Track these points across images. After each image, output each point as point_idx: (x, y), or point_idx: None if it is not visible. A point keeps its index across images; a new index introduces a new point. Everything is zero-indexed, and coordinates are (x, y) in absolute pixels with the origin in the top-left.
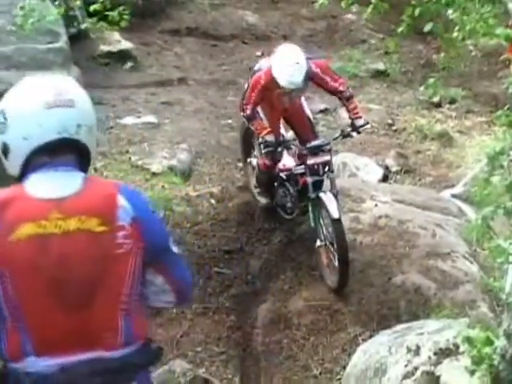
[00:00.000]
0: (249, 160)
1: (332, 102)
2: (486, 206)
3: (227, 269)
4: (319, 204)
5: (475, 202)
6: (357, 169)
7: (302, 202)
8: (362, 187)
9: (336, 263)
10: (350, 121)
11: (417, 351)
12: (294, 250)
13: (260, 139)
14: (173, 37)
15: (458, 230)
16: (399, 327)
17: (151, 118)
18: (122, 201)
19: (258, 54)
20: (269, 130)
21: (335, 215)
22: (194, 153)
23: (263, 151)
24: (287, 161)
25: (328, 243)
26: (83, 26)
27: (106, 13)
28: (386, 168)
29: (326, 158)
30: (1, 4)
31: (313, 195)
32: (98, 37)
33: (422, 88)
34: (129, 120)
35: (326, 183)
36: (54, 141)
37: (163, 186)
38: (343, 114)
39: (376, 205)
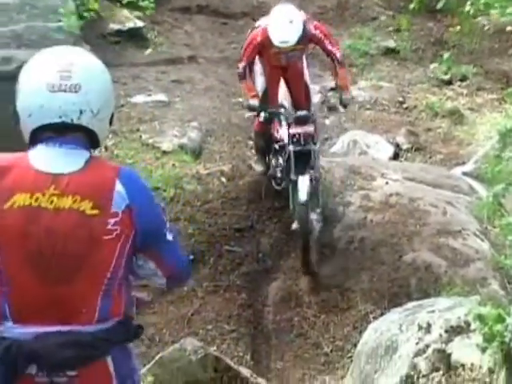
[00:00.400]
0: None
1: None
2: (497, 183)
3: (238, 247)
4: (296, 186)
5: (486, 179)
6: (367, 146)
7: (290, 180)
8: (373, 165)
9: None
10: (334, 84)
11: (428, 329)
12: None
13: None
14: (183, 15)
15: (468, 208)
16: (410, 305)
17: (162, 97)
18: (119, 187)
19: None
20: (254, 93)
21: (302, 198)
22: (204, 131)
23: (246, 115)
24: (282, 131)
25: None
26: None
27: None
28: (397, 146)
29: (309, 129)
30: None
31: (293, 177)
32: (108, 15)
33: (432, 65)
34: (139, 98)
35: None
36: (55, 123)
37: (174, 165)
38: (354, 91)
39: (387, 183)
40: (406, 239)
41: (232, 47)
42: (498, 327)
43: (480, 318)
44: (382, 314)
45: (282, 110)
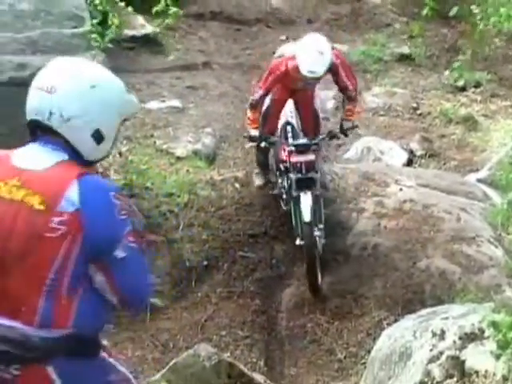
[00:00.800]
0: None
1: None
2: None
3: (252, 253)
4: (298, 204)
5: (500, 186)
6: (381, 153)
7: (291, 197)
8: (387, 171)
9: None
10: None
11: (442, 335)
12: None
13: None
14: (197, 21)
15: (482, 215)
16: (424, 311)
17: (176, 103)
18: (73, 189)
19: (283, 37)
20: (256, 126)
21: (306, 218)
22: (218, 137)
23: (247, 145)
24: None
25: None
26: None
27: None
28: (411, 152)
29: (310, 157)
30: None
31: (295, 194)
32: (123, 21)
33: (446, 72)
34: (153, 104)
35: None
36: (33, 120)
37: (188, 171)
38: (368, 97)
39: (401, 189)
40: (419, 246)
41: (246, 53)
42: None
43: (494, 324)
44: (395, 321)
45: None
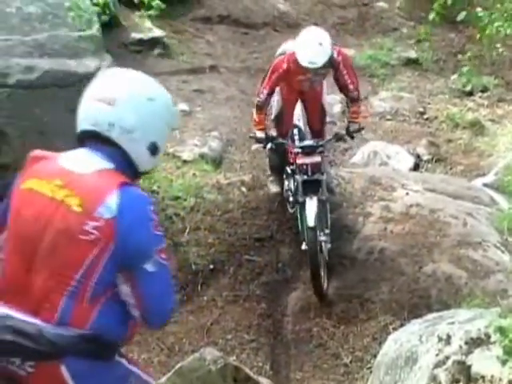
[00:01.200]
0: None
1: (363, 90)
2: None
3: (258, 256)
4: (304, 208)
5: (507, 190)
6: (388, 157)
7: (297, 202)
8: (393, 176)
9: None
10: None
11: (448, 340)
12: None
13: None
14: (204, 24)
15: (489, 219)
16: (430, 316)
17: (183, 106)
18: (113, 198)
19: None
20: (262, 127)
21: (310, 223)
22: (225, 140)
23: (253, 147)
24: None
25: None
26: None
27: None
28: (418, 156)
29: (316, 159)
30: None
31: (301, 199)
32: (130, 24)
33: (453, 76)
34: None
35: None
36: (89, 130)
37: (194, 174)
38: (375, 101)
39: (407, 193)
40: (426, 250)
41: (253, 57)
42: None
43: (500, 330)
44: (401, 325)
45: (293, 134)
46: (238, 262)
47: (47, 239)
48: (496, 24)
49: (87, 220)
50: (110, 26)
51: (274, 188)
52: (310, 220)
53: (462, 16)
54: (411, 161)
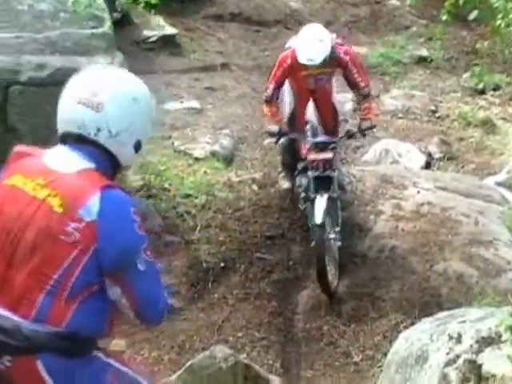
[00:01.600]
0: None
1: (375, 87)
2: None
3: (269, 254)
4: (314, 205)
5: None
6: (399, 155)
7: (308, 199)
8: (405, 174)
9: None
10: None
11: (459, 339)
12: None
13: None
14: (216, 22)
15: (500, 218)
16: (441, 315)
17: (194, 104)
18: (94, 200)
19: None
20: (277, 119)
21: (317, 220)
22: (236, 138)
23: (265, 141)
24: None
25: None
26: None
27: None
28: (429, 155)
29: (328, 155)
30: None
31: (312, 196)
32: (142, 22)
33: (465, 75)
34: (172, 105)
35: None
36: (74, 133)
37: (205, 172)
38: (386, 100)
39: (418, 192)
40: (437, 249)
41: (265, 55)
42: None
43: (511, 329)
44: (412, 324)
45: (306, 130)
46: (249, 259)
47: (28, 237)
48: (506, 20)
49: (68, 221)
50: (122, 23)
51: (285, 184)
52: (318, 217)
53: (473, 14)
54: (423, 159)
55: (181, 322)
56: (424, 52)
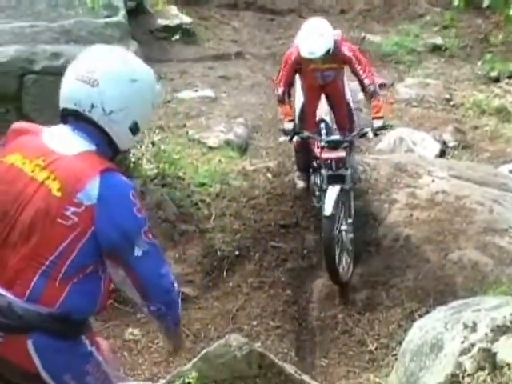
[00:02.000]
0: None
1: (389, 76)
2: None
3: (283, 243)
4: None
5: None
6: (414, 144)
7: (321, 190)
8: (419, 162)
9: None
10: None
11: (473, 328)
12: None
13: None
14: (230, 11)
15: None
16: (456, 303)
17: (208, 92)
18: (93, 184)
19: None
20: (291, 118)
21: (326, 212)
22: (250, 127)
23: (280, 139)
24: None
25: None
26: None
27: None
28: (444, 143)
29: (341, 154)
30: None
31: (325, 186)
32: (156, 11)
33: (480, 63)
34: (186, 94)
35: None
36: (70, 109)
37: (220, 160)
38: (401, 88)
39: (433, 180)
40: (451, 237)
41: (279, 43)
42: None
43: None
44: (427, 312)
45: (320, 128)
46: (264, 248)
47: (25, 218)
48: None
49: (67, 205)
50: (136, 12)
51: (300, 183)
52: (328, 209)
53: (487, 2)
54: (437, 147)
55: (195, 310)
56: (438, 40)
